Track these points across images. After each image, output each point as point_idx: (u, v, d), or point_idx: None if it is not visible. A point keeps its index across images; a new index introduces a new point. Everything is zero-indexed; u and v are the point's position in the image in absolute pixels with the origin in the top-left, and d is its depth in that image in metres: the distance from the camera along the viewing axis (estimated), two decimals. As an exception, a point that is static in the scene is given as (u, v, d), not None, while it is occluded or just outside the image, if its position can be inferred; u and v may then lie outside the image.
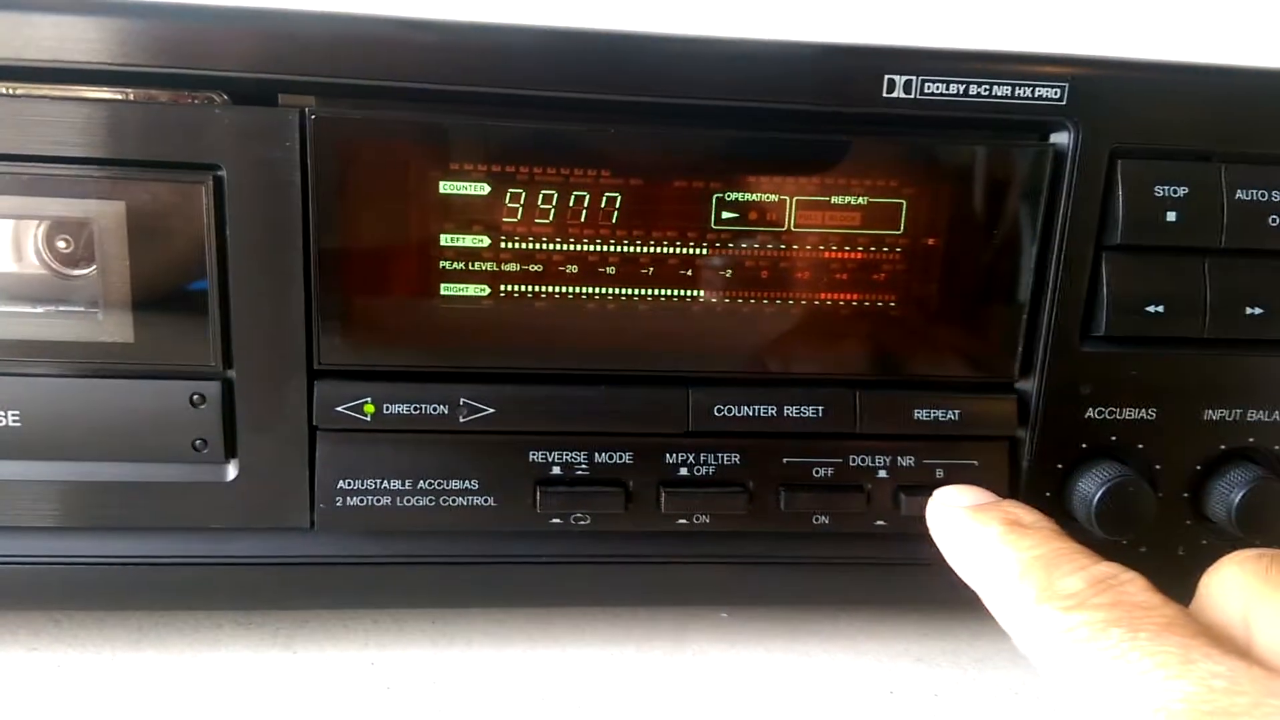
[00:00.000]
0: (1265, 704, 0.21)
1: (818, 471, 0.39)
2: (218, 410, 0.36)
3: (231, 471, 0.37)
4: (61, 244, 0.35)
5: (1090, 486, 0.39)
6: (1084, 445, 0.40)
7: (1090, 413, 0.39)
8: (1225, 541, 0.40)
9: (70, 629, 0.40)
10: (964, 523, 0.32)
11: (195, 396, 0.36)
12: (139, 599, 0.39)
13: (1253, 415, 0.40)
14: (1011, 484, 0.40)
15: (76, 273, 0.35)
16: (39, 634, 0.40)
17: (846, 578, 0.41)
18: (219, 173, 0.34)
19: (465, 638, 0.42)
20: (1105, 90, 0.37)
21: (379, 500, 0.37)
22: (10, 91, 0.34)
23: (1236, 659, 0.23)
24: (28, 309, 0.35)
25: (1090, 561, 0.28)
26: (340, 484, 0.37)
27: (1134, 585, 0.26)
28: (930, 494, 0.38)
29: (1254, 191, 0.38)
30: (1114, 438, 0.40)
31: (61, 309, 0.35)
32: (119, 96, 0.34)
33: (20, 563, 0.37)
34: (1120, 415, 0.39)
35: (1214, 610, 0.28)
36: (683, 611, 0.44)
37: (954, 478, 0.39)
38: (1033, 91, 0.36)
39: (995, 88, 0.36)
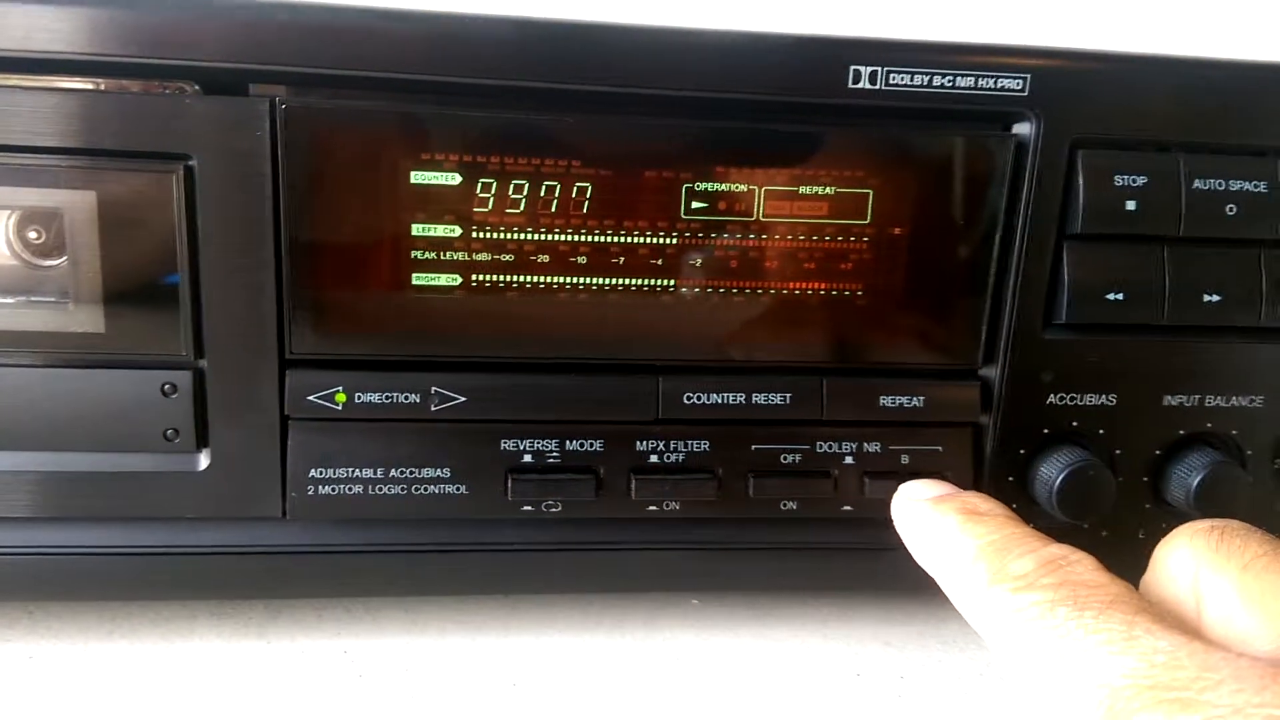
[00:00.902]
0: (1204, 677, 0.21)
1: (786, 458, 0.40)
2: (189, 400, 0.36)
3: (203, 461, 0.37)
4: (32, 234, 0.35)
5: (1052, 471, 0.40)
6: (1046, 430, 0.40)
7: (1052, 399, 0.40)
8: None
9: (43, 620, 0.40)
10: (925, 513, 0.33)
11: (167, 386, 0.36)
12: (111, 589, 0.39)
13: (1210, 401, 0.41)
14: (975, 469, 0.41)
15: (47, 263, 0.35)
16: (12, 625, 0.40)
17: (814, 563, 0.42)
18: (190, 162, 0.34)
19: (438, 626, 0.42)
20: (1066, 82, 0.37)
21: (351, 489, 0.38)
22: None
23: (1178, 634, 0.23)
24: (1, 299, 0.35)
25: (1041, 544, 0.29)
26: (312, 473, 0.37)
27: (1082, 565, 0.27)
28: (896, 478, 0.39)
29: (1211, 181, 0.39)
30: (1075, 423, 0.40)
31: (32, 299, 0.35)
32: (90, 86, 0.34)
33: (-8, 553, 0.37)
34: (1081, 401, 0.40)
35: (1166, 582, 0.28)
36: (653, 598, 0.44)
37: (918, 463, 0.40)
38: (995, 83, 0.37)
39: (959, 79, 0.37)
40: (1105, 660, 0.23)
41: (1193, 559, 0.28)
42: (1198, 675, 0.21)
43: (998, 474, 0.41)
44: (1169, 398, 0.41)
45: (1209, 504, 0.40)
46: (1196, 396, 0.41)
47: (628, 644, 0.42)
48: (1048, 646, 0.24)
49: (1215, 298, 0.39)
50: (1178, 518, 0.41)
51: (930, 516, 0.32)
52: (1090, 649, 0.23)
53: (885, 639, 0.43)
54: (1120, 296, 0.39)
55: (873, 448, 0.40)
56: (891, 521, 0.35)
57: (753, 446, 0.39)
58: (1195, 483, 0.40)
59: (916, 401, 0.40)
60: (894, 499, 0.35)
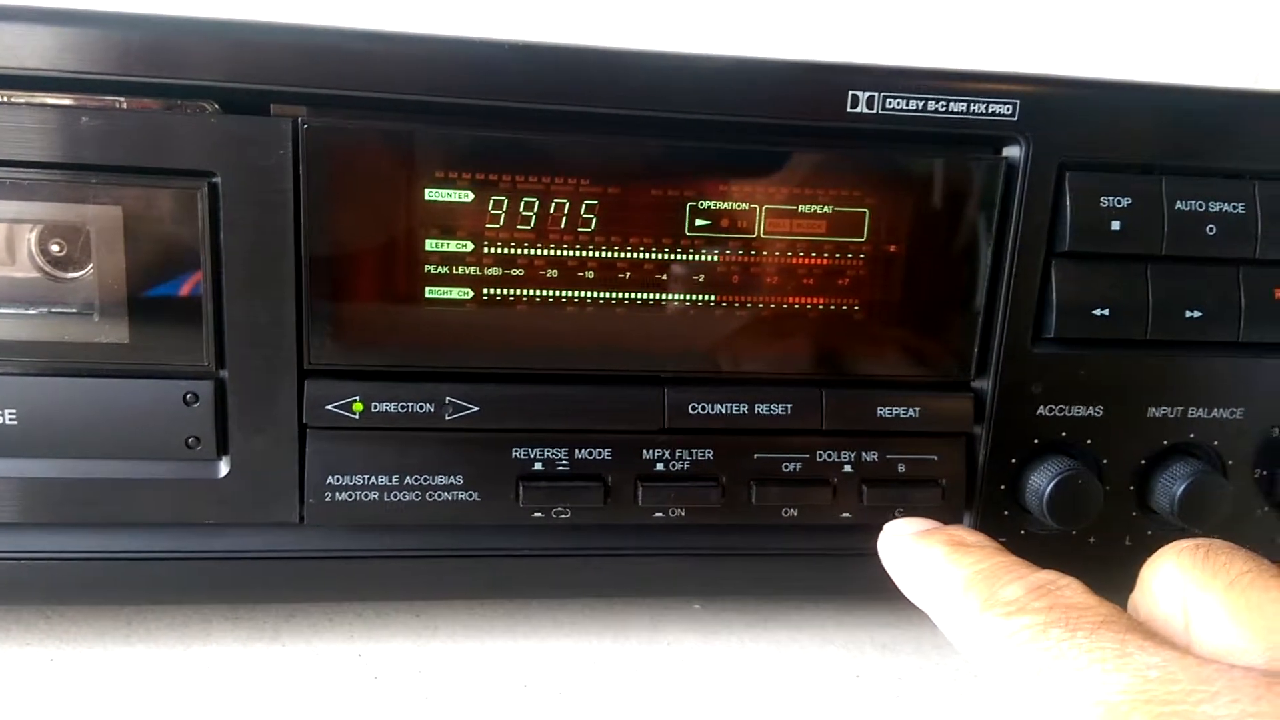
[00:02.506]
0: (1198, 690, 0.22)
1: (787, 466, 0.41)
2: (210, 409, 0.37)
3: (223, 468, 0.38)
4: (56, 248, 0.36)
5: (1042, 480, 0.41)
6: (1036, 441, 0.42)
7: (1042, 410, 0.42)
8: (1169, 531, 0.43)
9: (61, 625, 0.41)
10: (911, 547, 0.33)
11: (189, 395, 0.37)
12: (130, 594, 0.40)
13: (1193, 413, 0.42)
14: (968, 477, 0.42)
15: (73, 275, 0.36)
16: (31, 629, 0.41)
17: (815, 569, 0.43)
18: (214, 179, 0.36)
19: (449, 630, 0.43)
20: (1054, 107, 0.39)
21: (366, 495, 0.39)
22: (7, 99, 0.35)
23: (1169, 649, 0.24)
24: (25, 310, 0.36)
25: (1029, 571, 0.29)
26: (329, 480, 0.38)
27: (1071, 589, 0.28)
28: (893, 487, 0.40)
29: (1192, 202, 0.40)
30: (1064, 434, 0.42)
31: (58, 310, 0.36)
32: (114, 105, 0.35)
33: (13, 559, 0.38)
34: (1070, 413, 0.42)
35: (1154, 601, 0.29)
36: (657, 603, 0.46)
37: (914, 471, 0.42)
38: (986, 108, 0.39)
39: (952, 104, 0.38)
40: (1100, 678, 0.23)
41: (1180, 577, 0.28)
42: (1192, 688, 0.22)
43: (990, 482, 0.42)
44: (1153, 410, 0.42)
45: (1192, 512, 0.41)
46: (1179, 409, 0.42)
47: (633, 648, 0.43)
48: (1043, 668, 0.25)
49: (1196, 314, 0.41)
50: (1162, 525, 0.43)
51: (917, 550, 0.33)
52: (1085, 668, 0.24)
53: (882, 642, 0.44)
54: (1106, 312, 0.41)
55: (870, 457, 0.41)
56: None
57: (755, 455, 0.41)
58: (1179, 491, 0.41)
59: (912, 412, 0.41)
60: (880, 539, 0.36)
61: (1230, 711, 0.21)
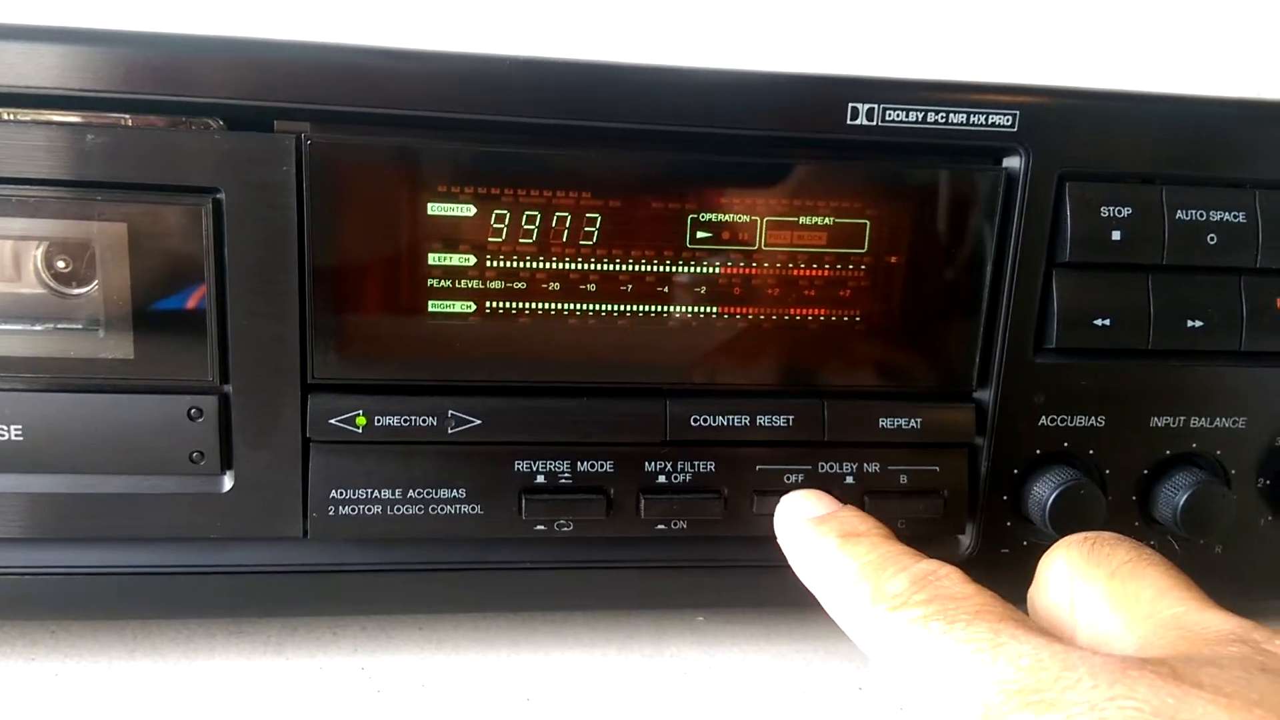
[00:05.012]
0: (1064, 677, 0.23)
1: (789, 478, 0.41)
2: (214, 423, 0.38)
3: (227, 483, 0.38)
4: (62, 264, 0.37)
5: (1044, 490, 0.41)
6: (1038, 451, 0.42)
7: (1044, 420, 0.42)
8: (1172, 542, 0.43)
9: (66, 639, 0.41)
10: (806, 534, 0.34)
11: (193, 410, 0.38)
12: (135, 608, 0.40)
13: (1195, 422, 0.43)
14: (970, 488, 0.42)
15: (78, 291, 0.37)
16: (36, 644, 0.41)
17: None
18: (219, 195, 0.36)
19: (452, 643, 0.43)
20: (1053, 117, 0.39)
21: (370, 509, 0.39)
22: (13, 117, 0.35)
23: (1040, 637, 0.25)
24: (31, 327, 0.37)
25: (913, 560, 0.30)
26: (333, 494, 0.39)
27: (950, 579, 0.28)
28: (895, 498, 0.40)
29: (1192, 212, 0.40)
30: (1066, 444, 0.42)
31: (64, 326, 0.37)
32: (119, 123, 0.36)
33: (18, 574, 0.38)
34: (1072, 423, 0.42)
35: (1046, 591, 0.30)
36: (660, 616, 0.46)
37: (916, 482, 0.42)
38: (986, 119, 0.39)
39: (951, 115, 0.39)
40: (976, 668, 0.24)
41: (1068, 568, 0.30)
42: (1059, 675, 0.23)
43: (992, 493, 0.42)
44: (1155, 419, 0.42)
45: (1195, 521, 0.41)
46: (1182, 418, 0.42)
47: (636, 660, 0.43)
48: (925, 660, 0.26)
49: (1198, 323, 0.41)
50: (1165, 535, 0.43)
51: (811, 537, 0.33)
52: (962, 658, 0.25)
53: (885, 654, 0.44)
54: (1107, 322, 0.41)
55: (872, 468, 0.41)
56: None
57: (757, 467, 0.41)
58: (1181, 501, 0.41)
59: (913, 423, 0.41)
60: (776, 514, 0.36)
61: (1090, 698, 0.22)
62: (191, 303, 0.37)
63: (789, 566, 0.42)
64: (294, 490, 0.39)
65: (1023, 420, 0.42)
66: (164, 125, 0.36)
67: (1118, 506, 0.42)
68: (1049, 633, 0.25)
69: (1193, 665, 0.23)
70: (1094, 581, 0.29)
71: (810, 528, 0.34)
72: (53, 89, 0.34)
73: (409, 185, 0.37)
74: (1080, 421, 0.42)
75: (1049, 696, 0.22)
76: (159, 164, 0.35)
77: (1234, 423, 0.43)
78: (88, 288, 0.37)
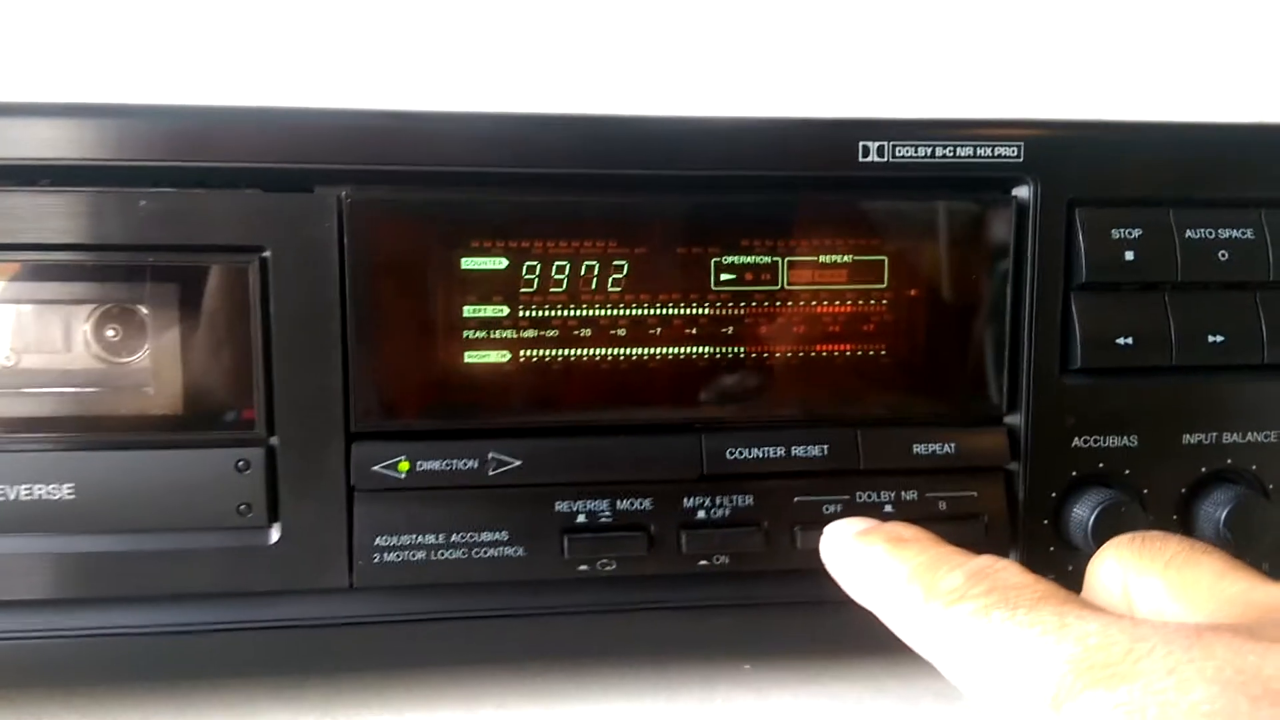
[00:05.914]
0: (1135, 649, 0.22)
1: (827, 508, 0.41)
2: (261, 475, 0.38)
3: (274, 534, 0.39)
4: (110, 333, 0.38)
5: (1084, 510, 0.41)
6: (1074, 473, 0.42)
7: (1076, 442, 0.42)
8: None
9: (107, 701, 0.41)
10: (852, 547, 0.33)
11: (240, 463, 0.38)
12: (182, 668, 0.40)
13: (1227, 438, 0.43)
14: (1010, 513, 0.42)
15: (129, 355, 0.38)
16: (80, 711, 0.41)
17: (867, 617, 0.43)
18: (264, 254, 0.38)
19: (497, 698, 0.43)
20: (1057, 147, 0.41)
21: (414, 555, 0.39)
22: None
23: (1105, 614, 0.24)
24: (83, 389, 0.38)
25: (967, 558, 0.30)
26: (377, 540, 0.39)
27: (1008, 571, 0.28)
28: (935, 525, 0.40)
29: (1201, 230, 0.41)
30: (1101, 465, 0.42)
31: (115, 386, 0.38)
32: (170, 189, 0.38)
33: (66, 637, 0.39)
34: (1105, 443, 0.42)
35: (1098, 593, 0.30)
36: (708, 664, 0.45)
37: (955, 508, 0.42)
38: (993, 151, 0.41)
39: (959, 149, 0.40)
40: (1044, 650, 0.24)
41: (1119, 567, 0.30)
42: (1130, 647, 0.23)
43: (1031, 518, 0.42)
44: (1188, 436, 0.42)
45: (1240, 534, 0.41)
46: (1214, 434, 0.43)
47: (689, 708, 0.42)
48: (988, 649, 0.25)
49: (1219, 338, 0.42)
50: (1211, 555, 0.43)
51: (858, 549, 0.33)
52: (1028, 642, 0.24)
53: (939, 690, 0.43)
54: (1129, 341, 0.41)
55: (910, 495, 0.42)
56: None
57: (795, 498, 0.41)
58: (1223, 516, 0.41)
59: (948, 448, 0.42)
60: (822, 541, 0.35)
61: (1166, 664, 0.22)
62: (239, 357, 0.38)
63: (835, 602, 0.42)
64: (339, 540, 0.39)
65: (1056, 443, 0.42)
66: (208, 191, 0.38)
67: (1158, 527, 0.42)
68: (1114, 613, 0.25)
69: (1268, 627, 0.23)
70: (1151, 574, 0.29)
71: (856, 540, 0.34)
72: (103, 160, 0.37)
73: (443, 240, 0.39)
74: (1113, 442, 0.42)
75: (1121, 669, 0.22)
76: (207, 226, 0.37)
77: (1266, 437, 0.43)
78: (139, 351, 0.38)
